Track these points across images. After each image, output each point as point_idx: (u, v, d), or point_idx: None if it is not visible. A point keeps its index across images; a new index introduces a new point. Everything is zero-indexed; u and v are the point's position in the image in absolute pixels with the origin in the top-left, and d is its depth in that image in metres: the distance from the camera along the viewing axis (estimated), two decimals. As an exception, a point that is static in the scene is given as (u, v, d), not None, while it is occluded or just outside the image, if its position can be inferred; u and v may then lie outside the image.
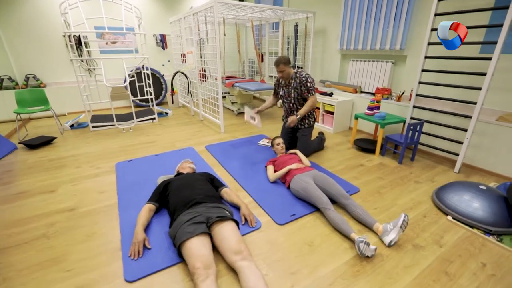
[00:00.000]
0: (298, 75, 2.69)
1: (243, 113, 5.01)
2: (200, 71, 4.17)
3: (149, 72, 4.29)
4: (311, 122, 2.85)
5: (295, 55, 4.80)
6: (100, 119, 4.23)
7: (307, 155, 2.72)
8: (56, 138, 3.56)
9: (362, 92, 3.91)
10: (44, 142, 3.41)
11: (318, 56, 4.57)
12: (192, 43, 4.15)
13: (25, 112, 3.66)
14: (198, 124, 4.31)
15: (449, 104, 2.84)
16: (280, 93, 2.90)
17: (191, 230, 1.47)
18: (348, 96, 3.91)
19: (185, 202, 1.71)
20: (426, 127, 2.94)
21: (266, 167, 2.51)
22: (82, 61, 5.15)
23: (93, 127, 4.04)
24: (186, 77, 4.62)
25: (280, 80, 2.87)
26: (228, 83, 4.86)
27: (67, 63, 4.97)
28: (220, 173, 2.59)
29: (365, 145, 3.11)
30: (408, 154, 3.03)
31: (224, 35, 4.59)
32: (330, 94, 3.92)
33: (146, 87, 4.60)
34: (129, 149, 3.25)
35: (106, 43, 5.25)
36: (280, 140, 2.68)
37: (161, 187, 1.94)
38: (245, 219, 1.83)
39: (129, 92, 3.81)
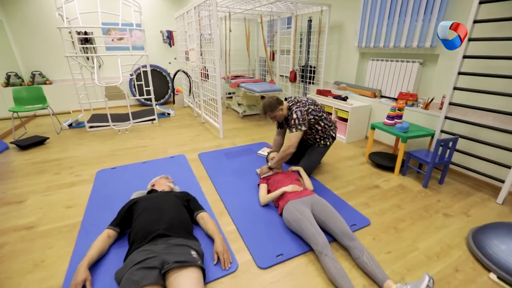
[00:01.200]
0: (291, 111, 2.20)
1: (248, 115, 4.65)
2: (201, 69, 3.85)
3: (147, 69, 4.05)
4: (328, 143, 2.38)
5: (308, 53, 4.34)
6: (98, 118, 4.06)
7: (308, 174, 2.30)
8: (48, 138, 3.42)
9: (382, 96, 3.38)
10: (35, 142, 3.28)
11: (333, 54, 4.08)
12: (194, 40, 3.84)
13: (21, 111, 3.56)
14: (199, 127, 4.01)
15: (492, 116, 2.27)
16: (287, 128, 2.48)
17: (138, 279, 1.13)
18: (366, 101, 3.40)
19: (146, 232, 1.39)
20: (461, 144, 2.40)
21: (258, 185, 2.13)
22: (88, 59, 5.06)
23: (90, 127, 3.88)
24: (188, 76, 4.33)
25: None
26: (233, 83, 4.51)
27: (73, 60, 4.88)
28: (206, 189, 2.24)
29: (382, 161, 2.63)
30: (436, 175, 2.50)
31: (230, 30, 4.24)
32: (345, 98, 3.44)
33: (148, 86, 4.38)
34: (118, 154, 3.01)
35: (112, 40, 5.11)
36: (275, 154, 2.29)
37: (125, 208, 1.64)
38: (218, 258, 1.47)
39: (125, 91, 3.58)
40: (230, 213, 1.90)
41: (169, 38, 5.37)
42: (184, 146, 3.24)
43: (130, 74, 4.91)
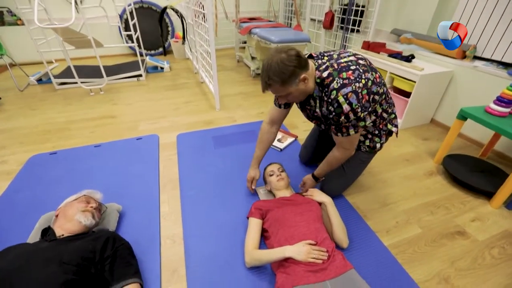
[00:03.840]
0: (329, 91, 1.00)
1: (260, 74, 3.50)
2: (194, 5, 2.67)
3: (127, 6, 2.94)
4: (378, 144, 1.28)
5: (356, -17, 2.89)
6: (72, 73, 3.19)
7: (334, 195, 1.32)
8: (0, 99, 2.68)
9: (476, 58, 2.07)
10: (-17, 103, 2.57)
11: (397, -15, 2.62)
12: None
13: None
14: (193, 90, 3.02)
15: None
16: (302, 112, 1.31)
17: None
18: (446, 64, 2.12)
19: None
20: None
21: (248, 219, 1.22)
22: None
23: (59, 84, 3.06)
24: (179, 16, 3.15)
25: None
26: (244, 28, 3.28)
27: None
28: (166, 211, 1.39)
29: (469, 178, 1.53)
30: None
31: None
32: (409, 58, 2.17)
33: (129, 30, 3.32)
34: (72, 128, 2.20)
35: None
36: (274, 167, 1.33)
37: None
38: None
39: (90, 37, 2.58)
40: (189, 276, 1.06)
41: (165, -39, 4.00)
42: (163, 120, 2.33)
43: (120, 15, 3.81)
